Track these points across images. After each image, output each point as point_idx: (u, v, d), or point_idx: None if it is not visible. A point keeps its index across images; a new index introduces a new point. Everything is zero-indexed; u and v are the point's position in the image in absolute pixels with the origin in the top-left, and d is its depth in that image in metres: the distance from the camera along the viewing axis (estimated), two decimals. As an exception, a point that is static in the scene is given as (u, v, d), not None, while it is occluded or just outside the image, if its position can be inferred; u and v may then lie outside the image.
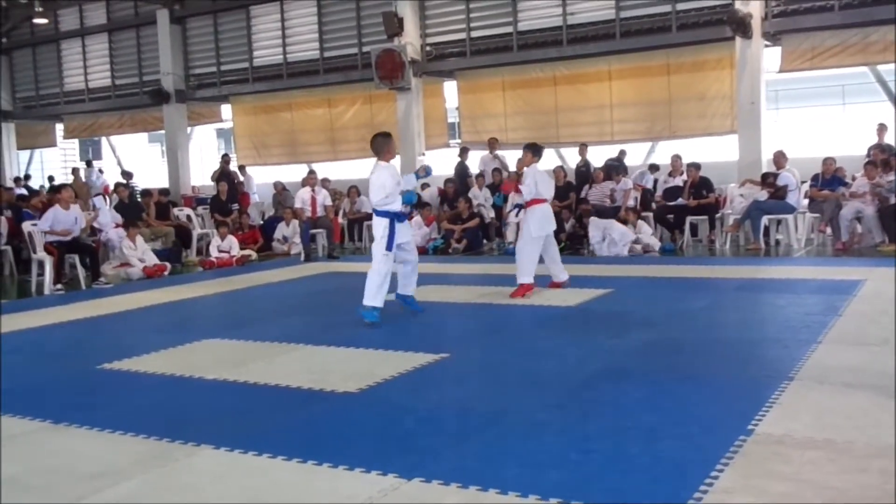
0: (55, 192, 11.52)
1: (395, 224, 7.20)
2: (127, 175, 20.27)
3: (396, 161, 16.93)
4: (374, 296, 7.14)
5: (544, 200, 8.45)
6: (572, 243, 12.58)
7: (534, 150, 8.49)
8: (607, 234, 12.07)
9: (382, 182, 7.18)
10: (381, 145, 7.41)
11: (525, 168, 8.46)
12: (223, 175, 16.89)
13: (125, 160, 23.96)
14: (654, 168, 14.78)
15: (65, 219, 10.80)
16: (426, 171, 7.99)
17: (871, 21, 12.58)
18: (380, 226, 7.23)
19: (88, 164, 22.41)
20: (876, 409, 4.16)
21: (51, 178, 21.91)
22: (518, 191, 8.42)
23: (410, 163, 16.39)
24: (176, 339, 6.82)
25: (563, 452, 3.80)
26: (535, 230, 8.25)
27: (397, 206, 7.19)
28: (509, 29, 15.61)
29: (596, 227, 12.24)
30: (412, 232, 7.59)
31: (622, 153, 15.00)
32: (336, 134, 18.34)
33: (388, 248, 7.19)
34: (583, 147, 14.88)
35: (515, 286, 8.29)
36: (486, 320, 7.53)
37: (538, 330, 6.91)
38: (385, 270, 7.19)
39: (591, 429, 4.14)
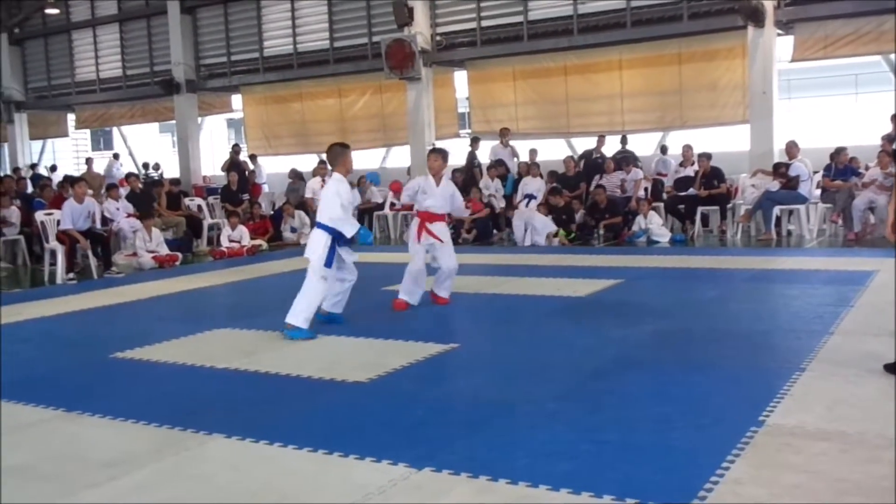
0: (70, 184, 11.58)
1: (335, 244, 6.55)
2: (155, 166, 20.32)
3: (404, 156, 17.02)
4: (301, 315, 6.37)
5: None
6: (582, 234, 12.54)
7: (445, 157, 7.73)
8: (529, 224, 12.23)
9: (336, 195, 6.54)
10: (337, 157, 6.75)
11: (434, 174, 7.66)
12: (234, 165, 16.92)
13: (136, 150, 24.02)
14: (664, 150, 14.81)
15: (80, 212, 10.85)
16: (371, 181, 7.44)
17: (884, 10, 12.45)
18: (320, 241, 6.52)
19: (115, 156, 22.50)
20: (888, 401, 4.14)
21: (53, 168, 21.93)
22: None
23: (421, 152, 16.35)
24: (188, 328, 6.86)
25: (574, 442, 3.80)
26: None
27: (348, 229, 6.52)
28: (520, 18, 15.55)
29: (519, 218, 12.51)
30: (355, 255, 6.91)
31: (624, 140, 14.94)
32: (346, 124, 18.33)
33: (328, 264, 6.50)
34: (601, 139, 14.79)
35: (528, 276, 8.34)
36: (496, 311, 7.53)
37: (548, 320, 6.90)
38: (321, 290, 6.53)
39: (602, 419, 4.14)
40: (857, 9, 12.76)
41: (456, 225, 13.36)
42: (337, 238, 6.56)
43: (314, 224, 13.49)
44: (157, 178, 18.93)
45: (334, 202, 6.54)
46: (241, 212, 14.26)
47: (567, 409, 4.35)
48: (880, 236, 10.96)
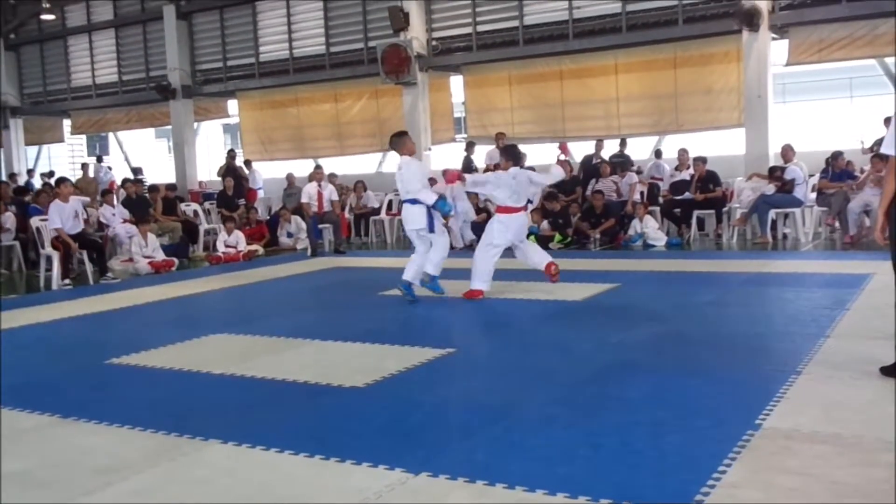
0: (56, 185, 11.58)
1: (430, 211, 7.87)
2: (136, 171, 20.27)
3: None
4: (432, 268, 7.99)
5: (516, 210, 8.06)
6: (578, 239, 12.55)
7: (508, 155, 8.22)
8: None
9: (415, 173, 7.93)
10: (398, 144, 8.09)
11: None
12: (229, 170, 16.91)
13: (132, 156, 24.01)
14: (658, 154, 14.82)
15: (67, 212, 10.82)
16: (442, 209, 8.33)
17: (878, 13, 12.52)
18: (418, 212, 7.85)
19: (99, 159, 22.45)
20: (884, 404, 4.15)
21: (51, 174, 21.87)
22: (462, 179, 8.34)
23: (416, 157, 16.36)
24: (184, 333, 6.84)
25: (571, 447, 3.80)
26: (495, 237, 8.06)
27: (427, 198, 7.82)
28: (515, 23, 15.58)
29: None
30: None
31: (623, 143, 15.00)
32: (342, 129, 18.34)
33: (431, 230, 7.87)
34: (599, 143, 14.80)
35: (525, 280, 8.37)
36: (493, 315, 7.53)
37: (545, 324, 6.91)
38: (444, 244, 8.03)
39: (599, 423, 4.13)
40: (852, 12, 12.81)
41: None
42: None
43: (310, 229, 13.60)
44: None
45: (415, 179, 7.84)
46: (237, 217, 14.26)
47: (564, 413, 4.35)
48: (874, 239, 10.97)
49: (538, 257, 8.28)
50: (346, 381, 5.08)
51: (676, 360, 5.34)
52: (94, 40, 21.62)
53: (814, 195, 12.02)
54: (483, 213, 13.46)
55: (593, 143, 15.11)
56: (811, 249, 10.99)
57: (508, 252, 8.42)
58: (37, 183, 19.59)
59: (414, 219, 7.91)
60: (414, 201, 7.85)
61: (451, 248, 8.80)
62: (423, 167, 8.11)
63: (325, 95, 18.50)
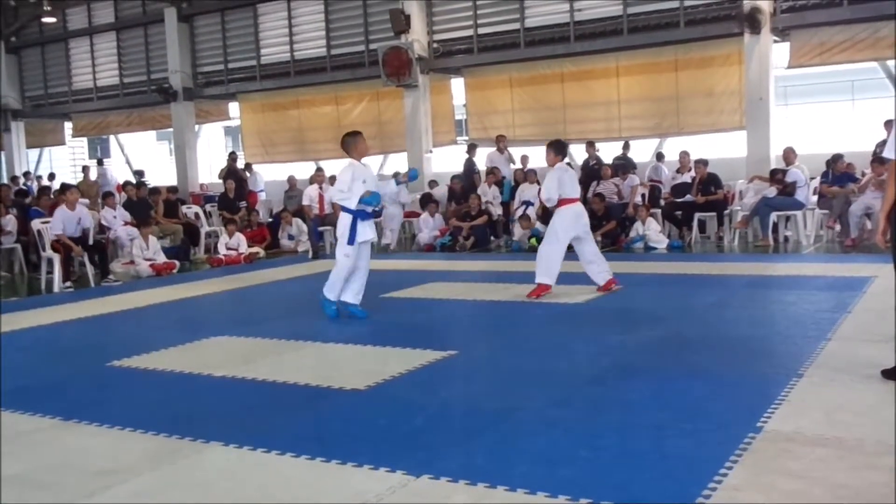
0: (61, 192, 11.57)
1: (356, 222, 7.31)
2: (139, 173, 20.28)
3: (401, 163, 17.04)
4: (329, 287, 7.43)
5: (573, 200, 8.06)
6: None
7: (556, 149, 8.12)
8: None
9: (342, 178, 7.47)
10: (349, 144, 7.69)
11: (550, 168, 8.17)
12: (231, 173, 16.92)
13: (133, 158, 24.04)
14: (660, 157, 14.83)
15: (70, 219, 10.83)
16: (409, 175, 8.26)
17: (880, 16, 12.53)
18: (344, 221, 7.37)
19: (100, 162, 22.47)
20: (886, 407, 4.14)
21: (52, 177, 21.83)
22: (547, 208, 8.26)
23: (417, 160, 16.40)
24: (185, 336, 6.84)
25: (572, 449, 3.79)
26: (560, 233, 8.02)
27: (352, 203, 7.29)
28: (517, 25, 15.60)
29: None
30: (373, 234, 7.65)
31: (626, 146, 15.01)
32: (343, 131, 18.06)
33: (350, 242, 7.29)
34: (589, 145, 14.83)
35: (527, 283, 8.30)
36: (494, 317, 7.53)
37: (546, 327, 6.90)
38: (344, 265, 7.36)
39: (600, 425, 4.13)
40: (853, 15, 12.82)
41: (454, 232, 13.38)
42: (356, 216, 7.29)
43: (311, 231, 13.61)
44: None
45: (337, 185, 7.46)
46: (238, 219, 14.26)
47: (565, 415, 4.35)
48: (876, 242, 10.95)
49: (598, 273, 8.14)
50: (347, 384, 5.08)
51: (678, 363, 5.34)
52: (95, 43, 21.65)
53: (815, 198, 12.01)
54: (484, 214, 13.49)
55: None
56: (812, 252, 10.98)
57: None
58: (35, 187, 19.61)
59: (340, 226, 7.44)
60: (343, 208, 7.43)
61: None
62: (360, 171, 7.44)
63: (326, 98, 18.51)
